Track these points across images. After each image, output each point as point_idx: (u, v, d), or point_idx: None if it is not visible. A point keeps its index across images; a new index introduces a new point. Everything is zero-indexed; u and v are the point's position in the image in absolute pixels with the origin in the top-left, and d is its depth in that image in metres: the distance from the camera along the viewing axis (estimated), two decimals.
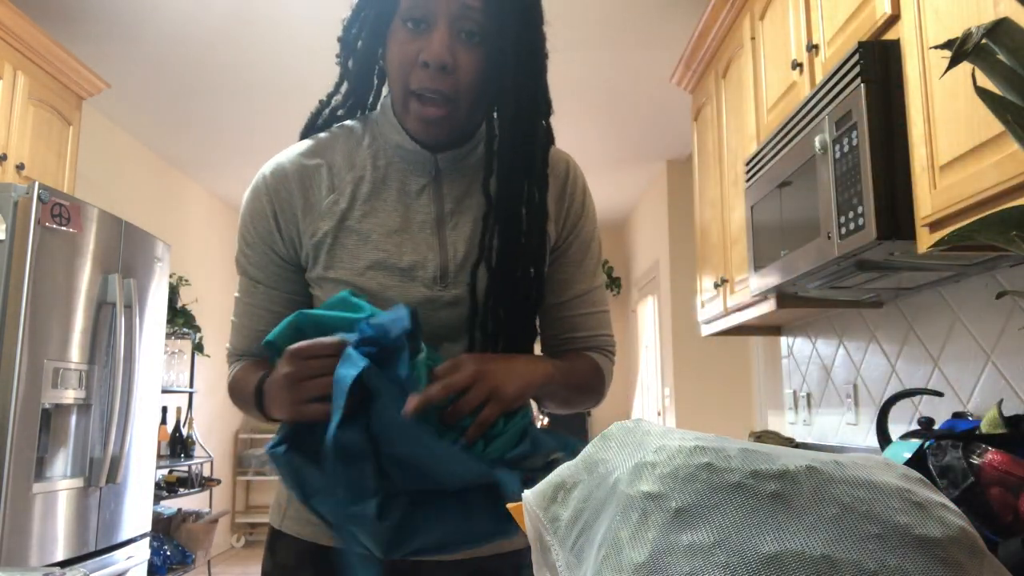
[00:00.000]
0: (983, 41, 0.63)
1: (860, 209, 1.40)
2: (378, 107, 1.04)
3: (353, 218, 0.95)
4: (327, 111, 1.05)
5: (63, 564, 2.41)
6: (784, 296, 2.02)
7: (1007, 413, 1.35)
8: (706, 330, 2.88)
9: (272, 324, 0.94)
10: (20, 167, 2.73)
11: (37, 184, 2.35)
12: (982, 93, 0.66)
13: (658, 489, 0.42)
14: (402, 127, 0.97)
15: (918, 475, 0.47)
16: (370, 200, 0.96)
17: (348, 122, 1.04)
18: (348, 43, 1.01)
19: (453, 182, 0.99)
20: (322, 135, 1.02)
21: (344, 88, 1.03)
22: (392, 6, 0.91)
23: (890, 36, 1.45)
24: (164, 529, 4.14)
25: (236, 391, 1.01)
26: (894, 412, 1.93)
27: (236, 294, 1.05)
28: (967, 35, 0.63)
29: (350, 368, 0.75)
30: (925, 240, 1.32)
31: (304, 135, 1.04)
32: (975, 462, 0.90)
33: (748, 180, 2.08)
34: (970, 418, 1.52)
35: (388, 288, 0.93)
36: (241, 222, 1.01)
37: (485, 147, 0.95)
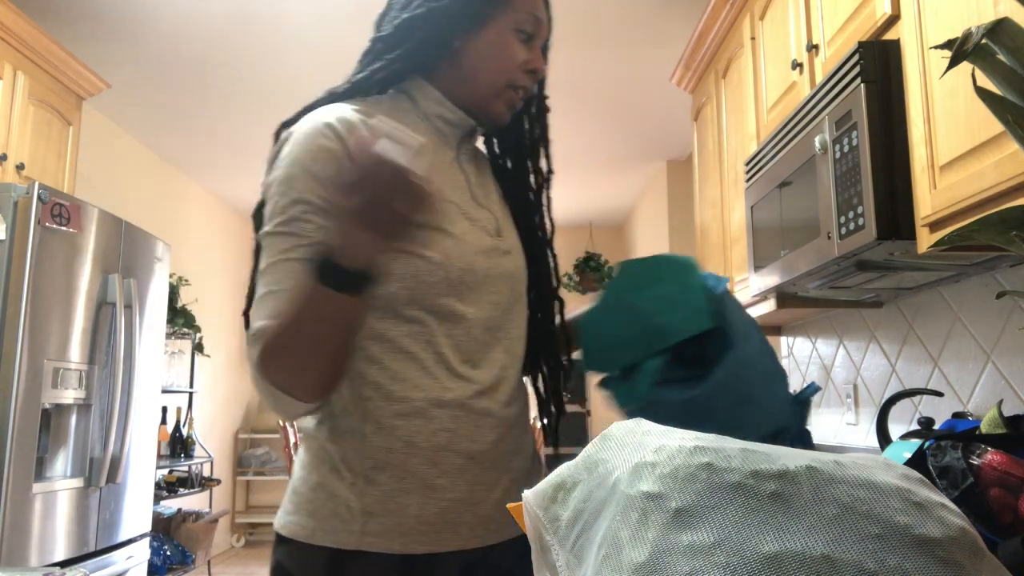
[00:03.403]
0: (983, 41, 0.63)
1: (860, 209, 1.40)
2: (406, 84, 1.05)
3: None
4: (379, 68, 1.02)
5: (63, 564, 2.41)
6: (784, 296, 2.02)
7: (1007, 413, 1.35)
8: None
9: None
10: (20, 167, 2.73)
11: (37, 184, 2.35)
12: (982, 93, 0.66)
13: (658, 489, 0.42)
14: (459, 103, 1.03)
15: (918, 475, 0.47)
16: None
17: (382, 95, 1.05)
18: (435, 13, 1.00)
19: (466, 162, 1.07)
20: (367, 99, 1.02)
21: (394, 54, 1.02)
22: (496, 11, 1.00)
23: (890, 36, 1.45)
24: (164, 529, 4.14)
25: (282, 331, 0.85)
26: (894, 412, 1.93)
27: (269, 260, 0.91)
28: (967, 35, 0.63)
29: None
30: (925, 240, 1.32)
31: (349, 94, 1.02)
32: (975, 462, 0.90)
33: (748, 180, 2.08)
34: (970, 418, 1.52)
35: (467, 233, 0.97)
36: (290, 173, 0.92)
37: (534, 133, 1.13)
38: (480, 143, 1.15)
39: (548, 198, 1.14)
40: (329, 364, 0.87)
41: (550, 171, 1.13)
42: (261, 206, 0.97)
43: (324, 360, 0.87)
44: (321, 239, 0.85)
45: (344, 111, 0.95)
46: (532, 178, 1.13)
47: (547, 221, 1.13)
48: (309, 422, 0.98)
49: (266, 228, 0.93)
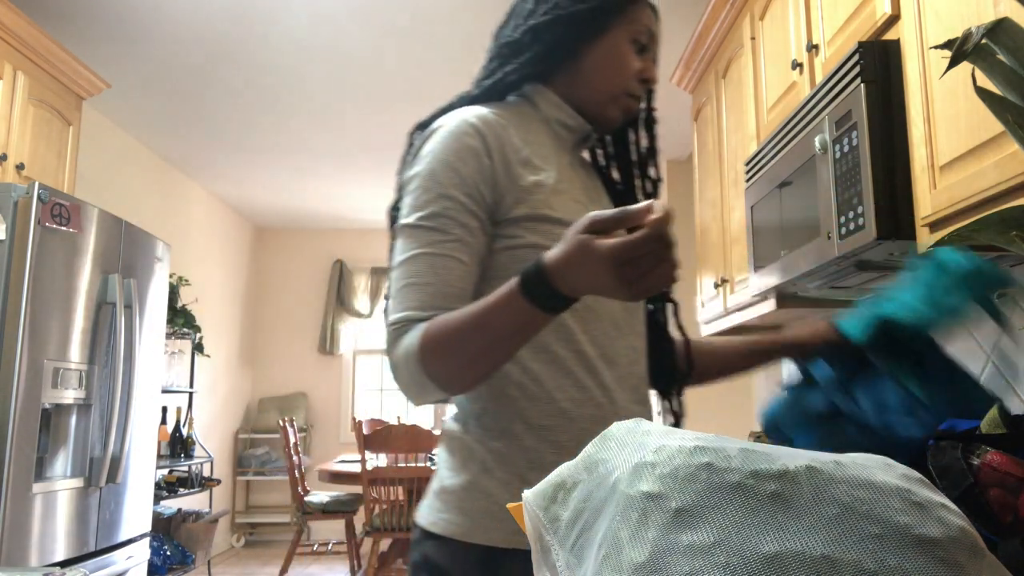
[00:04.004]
0: (983, 41, 0.63)
1: (860, 209, 1.40)
2: (526, 89, 1.09)
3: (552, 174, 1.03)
4: (511, 71, 1.06)
5: (63, 564, 2.41)
6: (784, 296, 2.02)
7: None
8: (706, 330, 2.88)
9: (463, 279, 0.93)
10: (20, 167, 2.73)
11: (37, 184, 2.35)
12: (982, 93, 0.66)
13: (658, 489, 0.42)
14: (577, 109, 1.08)
15: (918, 475, 0.47)
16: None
17: (506, 100, 1.09)
18: (561, 20, 1.04)
19: (578, 167, 1.11)
20: (497, 105, 1.06)
21: (523, 58, 1.06)
22: (615, 21, 1.05)
23: (890, 36, 1.45)
24: (164, 529, 4.14)
25: (458, 326, 0.86)
26: None
27: (409, 252, 0.93)
28: (967, 35, 0.63)
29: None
30: (925, 240, 1.32)
31: (483, 97, 1.07)
32: (975, 463, 0.90)
33: (748, 180, 2.08)
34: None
35: None
36: (433, 168, 0.95)
37: (642, 142, 1.16)
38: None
39: None
40: (496, 367, 0.89)
41: (659, 178, 1.17)
42: (398, 200, 1.01)
43: (495, 363, 0.88)
44: (535, 256, 0.83)
45: (484, 112, 1.00)
46: (641, 185, 1.16)
47: None
48: (453, 424, 1.01)
49: (407, 220, 0.95)
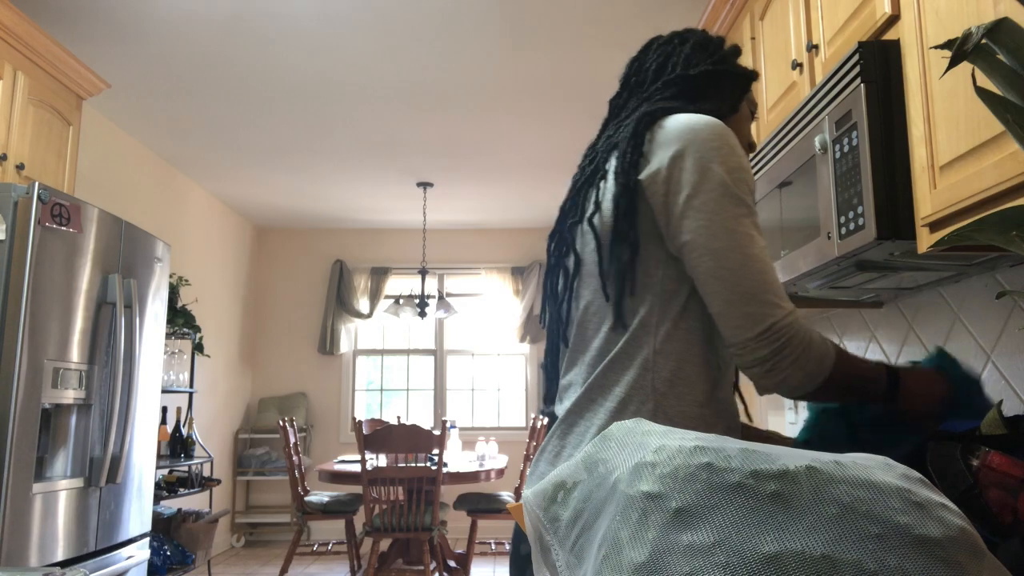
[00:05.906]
0: (983, 41, 0.63)
1: (860, 209, 1.40)
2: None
3: None
4: (715, 105, 1.19)
5: (63, 564, 2.41)
6: None
7: (1007, 413, 1.35)
8: None
9: None
10: (20, 167, 2.73)
11: (37, 184, 2.35)
12: (982, 93, 0.66)
13: (658, 489, 0.42)
14: None
15: (918, 475, 0.47)
16: None
17: None
18: (737, 77, 1.23)
19: None
20: None
21: (710, 96, 1.20)
22: (748, 88, 1.24)
23: (890, 36, 1.45)
24: (164, 529, 4.14)
25: (829, 357, 1.03)
26: None
27: (746, 229, 1.03)
28: (967, 35, 0.63)
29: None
30: (925, 240, 1.32)
31: (712, 112, 1.18)
32: (974, 463, 0.90)
33: None
34: None
35: None
36: (734, 154, 1.05)
37: None
38: None
39: None
40: (823, 395, 1.07)
41: None
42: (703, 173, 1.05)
43: (827, 393, 1.07)
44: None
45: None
46: None
47: None
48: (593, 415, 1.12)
49: (747, 198, 1.04)
